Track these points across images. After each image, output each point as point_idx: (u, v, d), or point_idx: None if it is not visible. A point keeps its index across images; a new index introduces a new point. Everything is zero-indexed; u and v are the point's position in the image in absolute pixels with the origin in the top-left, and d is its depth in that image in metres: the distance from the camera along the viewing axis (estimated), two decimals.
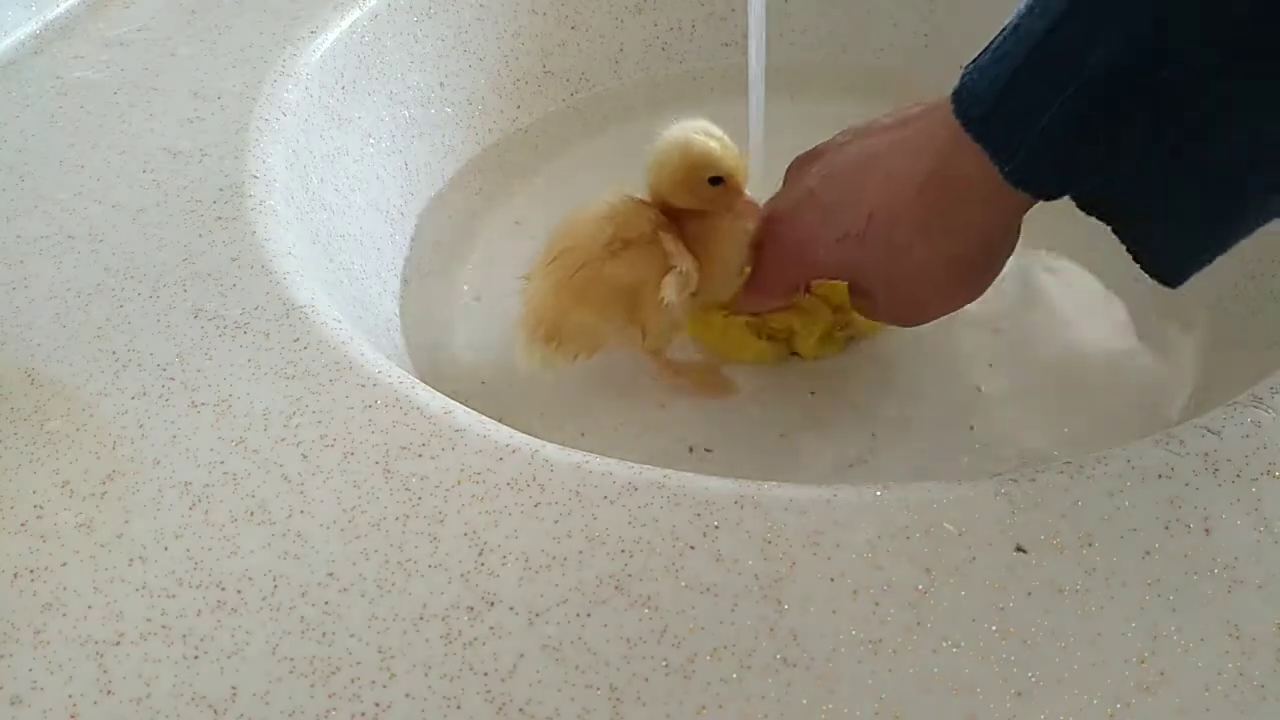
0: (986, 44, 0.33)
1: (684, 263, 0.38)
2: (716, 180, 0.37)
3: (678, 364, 0.43)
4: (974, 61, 0.33)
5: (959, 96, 0.33)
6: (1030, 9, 0.31)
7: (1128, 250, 0.32)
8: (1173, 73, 0.28)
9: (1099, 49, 0.29)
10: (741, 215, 0.39)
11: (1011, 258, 0.36)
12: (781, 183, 0.41)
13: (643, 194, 0.40)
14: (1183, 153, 0.29)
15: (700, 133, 0.38)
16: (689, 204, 0.39)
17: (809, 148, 0.43)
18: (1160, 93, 0.28)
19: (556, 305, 0.39)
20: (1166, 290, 0.34)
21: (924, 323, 0.38)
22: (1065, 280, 0.47)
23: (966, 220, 0.34)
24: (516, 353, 0.40)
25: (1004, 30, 0.32)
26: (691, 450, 0.41)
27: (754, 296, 0.42)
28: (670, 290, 0.38)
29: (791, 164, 0.41)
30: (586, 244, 0.39)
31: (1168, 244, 0.32)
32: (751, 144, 0.48)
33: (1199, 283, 0.45)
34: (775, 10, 0.45)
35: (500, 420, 0.33)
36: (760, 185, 0.47)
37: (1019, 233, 0.35)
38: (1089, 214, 0.32)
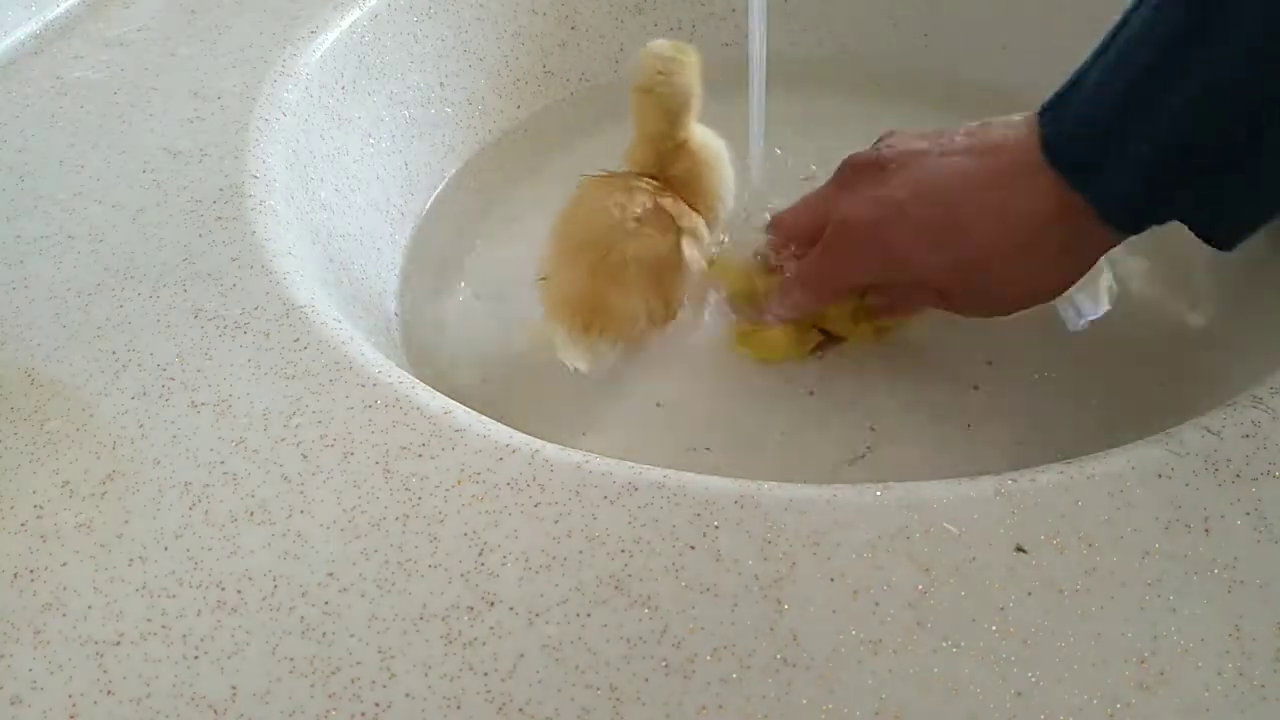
0: (1066, 83, 0.34)
1: (690, 219, 0.39)
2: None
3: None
4: (1061, 102, 0.34)
5: (1054, 148, 0.34)
6: (1105, 53, 0.33)
7: (1190, 229, 0.34)
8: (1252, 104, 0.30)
9: (1187, 88, 0.30)
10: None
11: None
12: (835, 182, 0.41)
13: (616, 167, 0.41)
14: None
15: (656, 61, 0.39)
16: (684, 128, 0.40)
17: (810, 146, 0.43)
18: (1250, 116, 0.30)
19: (594, 292, 0.39)
20: (1167, 290, 0.34)
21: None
22: None
23: (1071, 263, 0.36)
24: (561, 349, 0.39)
25: (1086, 67, 0.34)
26: (691, 449, 0.41)
27: (807, 296, 0.41)
28: (693, 252, 0.39)
29: (847, 164, 0.41)
30: (606, 230, 0.39)
31: (1235, 226, 0.33)
32: (752, 143, 0.48)
33: (1200, 283, 0.45)
34: (775, 9, 0.45)
35: (500, 420, 0.33)
36: (761, 183, 0.47)
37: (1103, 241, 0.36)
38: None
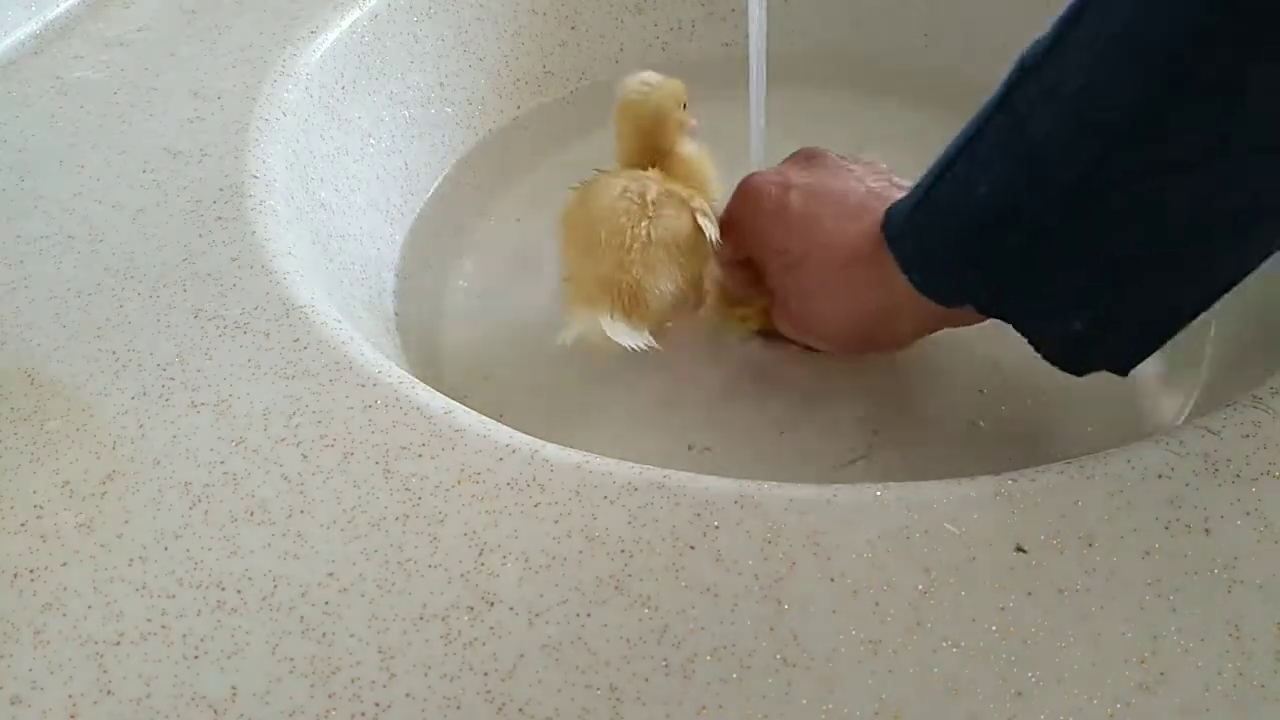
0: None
1: (699, 199, 0.41)
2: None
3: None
4: (913, 190, 0.37)
5: (888, 212, 0.37)
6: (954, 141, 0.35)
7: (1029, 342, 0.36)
8: (1030, 212, 0.32)
9: (979, 188, 0.33)
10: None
11: None
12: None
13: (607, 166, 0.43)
14: (1055, 277, 0.33)
15: (637, 82, 0.42)
16: (670, 140, 0.42)
17: (809, 144, 0.43)
18: (1026, 227, 0.32)
19: (629, 279, 0.40)
20: None
21: (812, 347, 0.43)
22: None
23: (875, 301, 0.38)
24: (613, 332, 0.40)
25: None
26: (691, 448, 0.41)
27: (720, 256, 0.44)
28: (711, 227, 0.41)
29: (798, 152, 0.44)
30: (623, 219, 0.40)
31: (1060, 347, 0.35)
32: (752, 142, 0.48)
33: None
34: (775, 9, 0.45)
35: (500, 420, 0.33)
36: None
37: (943, 318, 0.38)
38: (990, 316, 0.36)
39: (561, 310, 0.41)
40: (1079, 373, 0.35)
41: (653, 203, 0.40)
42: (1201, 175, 0.29)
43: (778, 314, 0.42)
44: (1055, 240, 0.32)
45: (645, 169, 0.42)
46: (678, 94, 0.42)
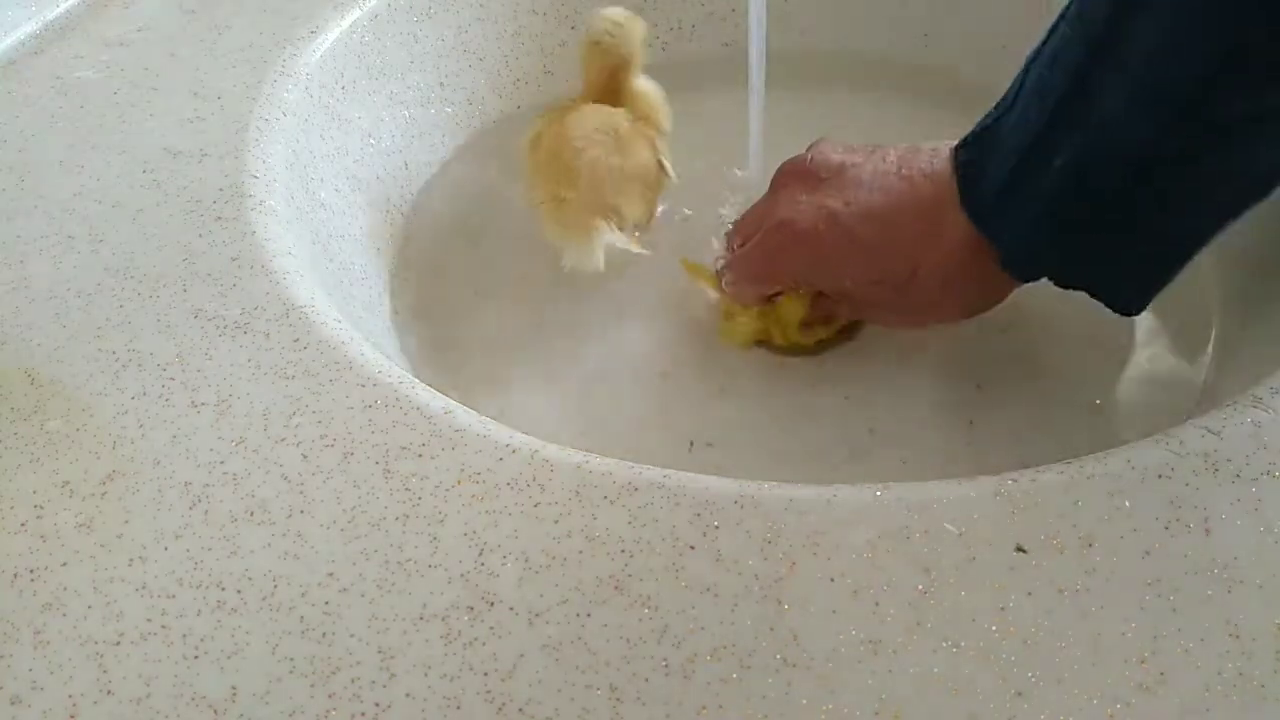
0: (981, 123, 0.37)
1: (658, 137, 0.46)
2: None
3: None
4: (976, 145, 0.37)
5: (965, 193, 0.37)
6: (1015, 100, 0.35)
7: (1092, 294, 0.36)
8: (1111, 183, 0.33)
9: (1064, 154, 0.33)
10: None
11: None
12: (771, 186, 0.43)
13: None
14: (1132, 243, 0.34)
15: (607, 22, 0.45)
16: (632, 77, 0.46)
17: (808, 144, 0.43)
18: (1106, 198, 0.33)
19: (608, 200, 0.45)
20: (1167, 291, 0.35)
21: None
22: None
23: (978, 293, 0.39)
24: (618, 241, 0.45)
25: (1002, 110, 0.36)
26: (692, 447, 0.41)
27: (740, 283, 0.43)
28: (668, 164, 0.46)
29: (781, 170, 0.43)
30: (598, 152, 0.44)
31: (1135, 287, 0.36)
32: (752, 142, 0.48)
33: (1200, 283, 0.45)
34: (775, 9, 0.45)
35: (500, 420, 0.33)
36: (761, 182, 0.47)
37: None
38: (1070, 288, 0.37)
39: (548, 234, 0.45)
40: (1138, 312, 0.37)
41: (623, 138, 0.45)
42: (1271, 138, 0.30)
43: (882, 319, 0.43)
44: (1132, 208, 0.33)
45: (609, 102, 0.46)
46: (642, 34, 0.46)
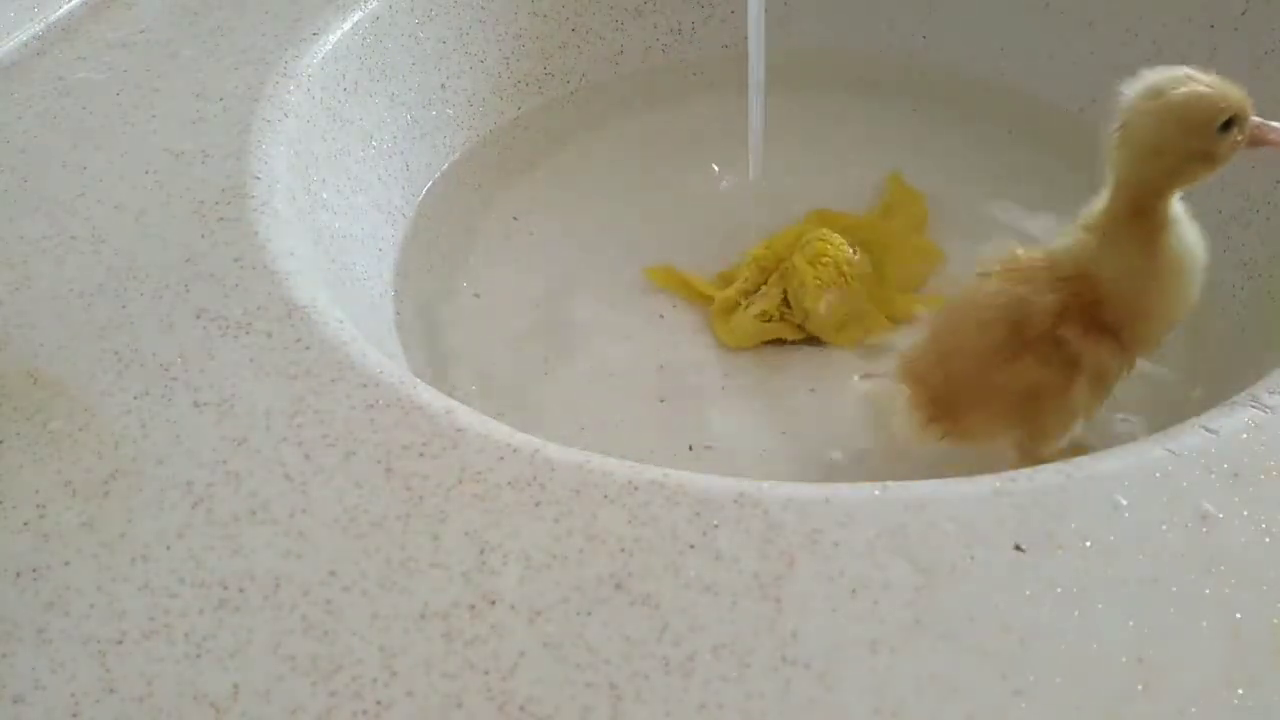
0: None
1: (1096, 357, 0.33)
2: (1228, 124, 0.31)
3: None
4: None
5: None
6: None
7: None
8: None
9: None
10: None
11: None
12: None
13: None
14: None
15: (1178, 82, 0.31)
16: (1198, 168, 0.32)
17: (809, 145, 0.43)
18: None
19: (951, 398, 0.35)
20: None
21: None
22: None
23: None
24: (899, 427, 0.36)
25: None
26: (692, 448, 0.41)
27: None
28: (1089, 399, 0.33)
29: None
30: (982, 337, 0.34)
31: None
32: (751, 142, 0.48)
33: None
34: (775, 11, 0.45)
35: (501, 420, 0.33)
36: (760, 184, 0.47)
37: None
38: None
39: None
40: None
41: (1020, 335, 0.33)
42: None
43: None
44: None
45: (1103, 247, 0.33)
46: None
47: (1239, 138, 0.31)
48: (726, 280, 0.47)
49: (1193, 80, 0.31)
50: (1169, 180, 0.32)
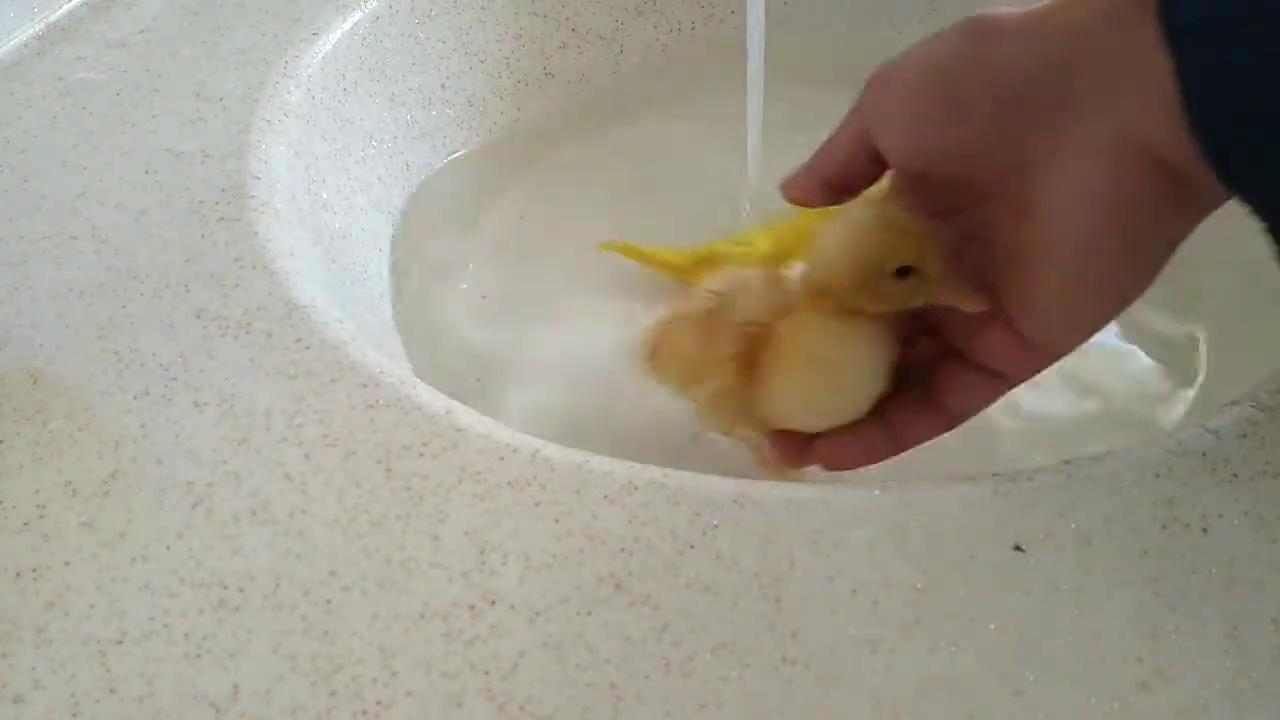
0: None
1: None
2: (904, 271, 0.29)
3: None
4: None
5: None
6: None
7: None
8: None
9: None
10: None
11: None
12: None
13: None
14: None
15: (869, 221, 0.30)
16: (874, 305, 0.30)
17: (809, 146, 0.43)
18: None
19: None
20: (1166, 290, 0.34)
21: None
22: None
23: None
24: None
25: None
26: (692, 448, 0.41)
27: None
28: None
29: None
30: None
31: None
32: (750, 142, 0.48)
33: (1199, 284, 0.45)
34: (774, 11, 0.45)
35: (500, 419, 0.33)
36: (758, 185, 0.47)
37: None
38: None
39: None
40: None
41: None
42: None
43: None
44: None
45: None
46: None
47: (917, 288, 0.29)
48: (698, 257, 0.47)
49: (885, 216, 0.29)
50: (846, 294, 0.30)
